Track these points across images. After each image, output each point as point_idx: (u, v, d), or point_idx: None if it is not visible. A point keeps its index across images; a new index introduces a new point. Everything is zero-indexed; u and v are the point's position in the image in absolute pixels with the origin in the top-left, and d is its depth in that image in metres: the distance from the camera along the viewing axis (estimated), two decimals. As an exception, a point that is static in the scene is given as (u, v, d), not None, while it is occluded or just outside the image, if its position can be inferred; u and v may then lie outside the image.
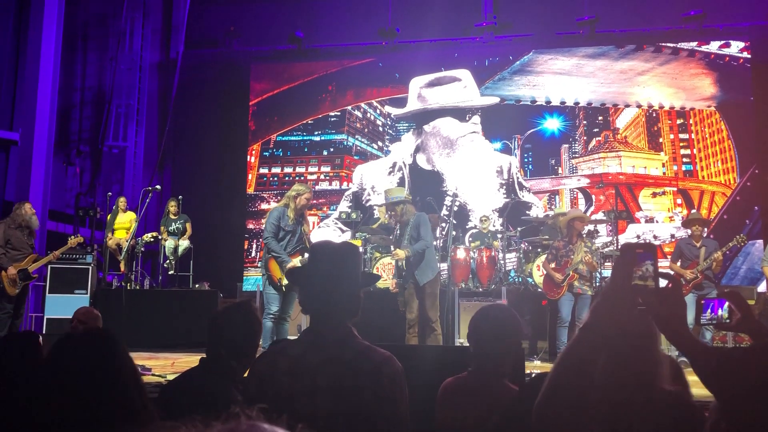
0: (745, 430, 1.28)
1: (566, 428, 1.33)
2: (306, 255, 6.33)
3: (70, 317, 8.21)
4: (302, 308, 2.25)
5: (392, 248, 7.94)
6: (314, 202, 12.56)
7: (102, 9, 13.18)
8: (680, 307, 1.60)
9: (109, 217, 10.33)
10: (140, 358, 6.83)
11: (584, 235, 7.83)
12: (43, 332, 8.17)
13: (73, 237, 8.35)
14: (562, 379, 1.36)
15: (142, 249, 10.08)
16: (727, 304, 1.90)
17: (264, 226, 6.52)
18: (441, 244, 9.06)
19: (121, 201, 10.44)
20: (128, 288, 9.22)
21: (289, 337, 6.51)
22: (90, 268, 8.92)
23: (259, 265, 11.48)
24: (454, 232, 9.67)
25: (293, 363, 2.06)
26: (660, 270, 1.55)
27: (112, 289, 9.48)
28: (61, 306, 8.31)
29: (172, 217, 10.63)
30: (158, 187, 8.04)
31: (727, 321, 1.89)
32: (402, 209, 6.75)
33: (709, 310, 1.95)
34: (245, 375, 2.81)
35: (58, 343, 1.73)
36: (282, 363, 2.07)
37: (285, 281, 6.23)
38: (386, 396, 2.01)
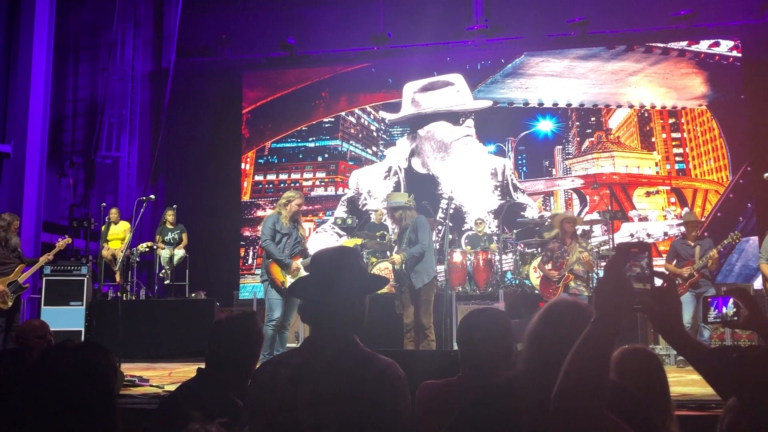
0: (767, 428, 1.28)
1: (583, 417, 1.34)
2: (306, 258, 6.42)
3: (67, 329, 8.24)
4: (302, 319, 2.21)
5: (388, 253, 7.93)
6: (310, 208, 12.57)
7: (93, 20, 13.16)
8: (676, 306, 1.61)
9: (103, 228, 10.31)
10: (137, 369, 6.81)
11: (578, 236, 7.84)
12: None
13: (60, 240, 8.33)
14: (578, 370, 1.38)
15: (138, 259, 10.06)
16: (731, 300, 1.89)
17: (260, 231, 6.60)
18: (437, 248, 9.05)
19: (113, 212, 10.39)
20: (124, 298, 9.18)
21: (289, 345, 6.52)
22: (85, 279, 8.89)
23: (257, 272, 11.47)
24: (450, 236, 9.67)
25: (295, 372, 2.02)
26: (655, 269, 1.55)
27: (108, 300, 9.45)
28: (57, 318, 8.26)
29: (169, 226, 10.61)
30: (152, 196, 8.01)
31: (735, 318, 1.88)
32: (401, 214, 6.79)
33: (714, 308, 1.94)
34: (246, 385, 2.79)
35: (48, 355, 1.69)
36: (283, 373, 2.04)
37: (288, 284, 6.24)
38: (389, 404, 1.98)
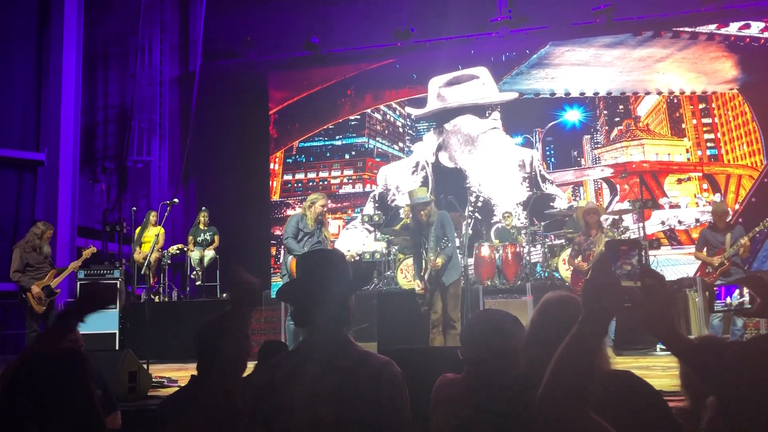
0: (743, 424, 1.27)
1: (569, 412, 1.35)
2: None
3: (101, 332, 8.41)
4: (296, 324, 2.24)
5: (423, 253, 7.75)
6: (339, 205, 12.63)
7: (121, 27, 13.41)
8: (667, 303, 1.59)
9: (137, 230, 10.46)
10: (168, 370, 6.93)
11: (605, 226, 7.73)
12: (76, 348, 8.31)
13: (85, 248, 8.55)
14: (564, 370, 1.38)
15: (169, 261, 10.21)
16: (737, 291, 1.88)
17: (284, 230, 6.72)
18: (466, 242, 8.95)
19: (152, 215, 10.51)
20: (156, 300, 9.35)
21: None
22: (118, 282, 9.05)
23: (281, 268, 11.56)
24: (475, 229, 9.62)
25: (291, 373, 2.05)
26: (647, 266, 1.54)
27: (141, 302, 9.62)
28: (92, 321, 8.38)
29: (202, 227, 10.74)
30: (176, 200, 8.20)
31: (749, 306, 1.86)
32: (429, 210, 6.78)
33: (718, 298, 1.94)
34: (242, 381, 2.80)
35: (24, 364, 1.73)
36: (280, 374, 2.06)
37: None
38: (386, 401, 2.00)
